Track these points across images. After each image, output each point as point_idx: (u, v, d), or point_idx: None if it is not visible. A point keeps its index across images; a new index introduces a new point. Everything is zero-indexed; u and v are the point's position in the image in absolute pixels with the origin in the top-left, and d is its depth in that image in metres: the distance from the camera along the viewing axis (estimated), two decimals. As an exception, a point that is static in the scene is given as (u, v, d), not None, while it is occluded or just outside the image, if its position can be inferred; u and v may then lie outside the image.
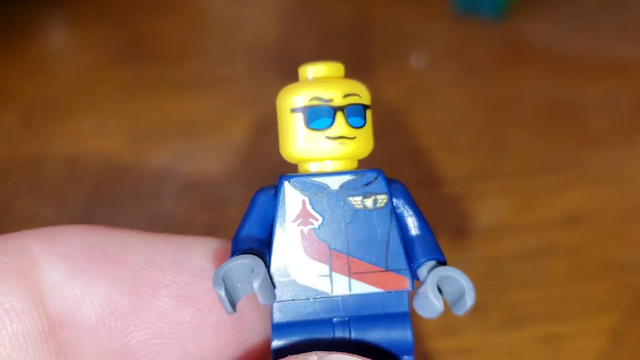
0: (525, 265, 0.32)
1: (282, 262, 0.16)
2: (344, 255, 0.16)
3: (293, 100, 0.16)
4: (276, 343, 0.15)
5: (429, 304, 0.15)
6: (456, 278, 0.15)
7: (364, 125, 0.16)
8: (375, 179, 0.16)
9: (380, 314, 0.16)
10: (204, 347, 0.18)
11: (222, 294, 0.14)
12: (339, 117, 0.16)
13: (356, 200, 0.16)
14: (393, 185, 0.16)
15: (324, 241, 0.16)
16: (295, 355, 0.14)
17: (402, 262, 0.16)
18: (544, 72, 0.44)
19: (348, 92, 0.16)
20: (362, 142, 0.16)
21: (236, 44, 0.47)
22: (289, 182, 0.16)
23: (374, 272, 0.16)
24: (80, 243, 0.17)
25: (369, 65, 0.44)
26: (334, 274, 0.16)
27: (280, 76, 0.41)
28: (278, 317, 0.16)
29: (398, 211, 0.16)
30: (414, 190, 0.38)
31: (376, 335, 0.16)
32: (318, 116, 0.16)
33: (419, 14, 0.49)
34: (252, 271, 0.15)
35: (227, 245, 0.18)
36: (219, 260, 0.18)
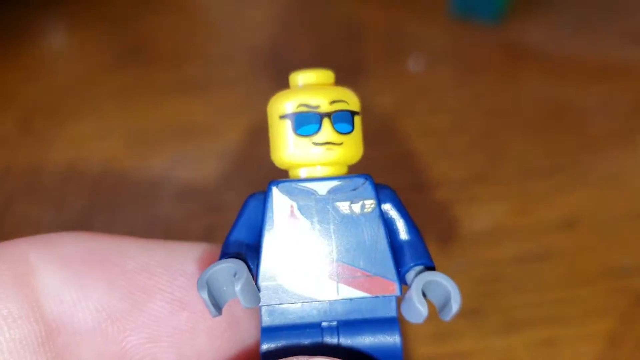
0: (522, 269, 0.32)
1: (271, 266, 0.16)
2: (332, 260, 0.16)
3: (282, 107, 0.17)
4: (265, 347, 0.16)
5: (414, 309, 0.15)
6: (442, 283, 0.15)
7: (351, 131, 0.17)
8: (363, 184, 0.16)
9: (368, 319, 0.16)
10: (199, 350, 0.18)
11: (206, 296, 0.14)
12: (326, 123, 0.16)
13: (344, 206, 0.16)
14: (382, 191, 0.16)
15: (312, 246, 0.16)
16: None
17: (389, 267, 0.16)
18: (541, 75, 0.44)
19: (335, 98, 0.16)
20: (350, 148, 0.17)
21: (235, 48, 0.47)
22: (277, 187, 0.16)
23: (362, 276, 0.16)
24: (76, 249, 0.17)
25: (366, 69, 0.44)
26: (322, 279, 0.16)
27: (279, 80, 0.41)
28: (267, 321, 0.16)
29: (387, 216, 0.16)
30: (411, 194, 0.38)
31: (364, 340, 0.16)
32: (305, 122, 0.16)
33: (417, 18, 0.49)
34: (235, 275, 0.15)
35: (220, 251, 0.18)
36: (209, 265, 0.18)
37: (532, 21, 0.48)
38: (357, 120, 0.17)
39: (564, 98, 0.42)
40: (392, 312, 0.16)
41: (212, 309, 0.15)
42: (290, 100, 0.16)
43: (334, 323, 0.16)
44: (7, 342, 0.16)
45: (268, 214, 0.16)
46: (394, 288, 0.16)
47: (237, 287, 0.14)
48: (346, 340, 0.16)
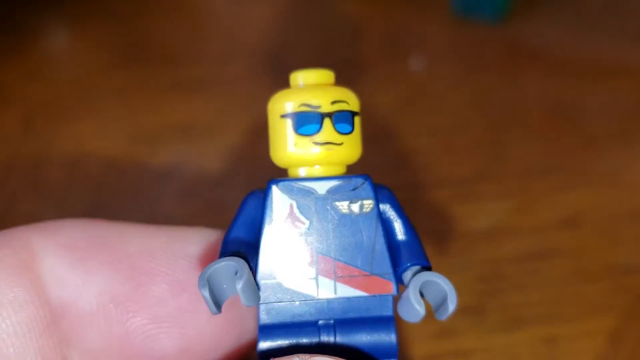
0: (523, 268, 0.32)
1: (269, 264, 0.16)
2: (330, 259, 0.16)
3: (283, 106, 0.17)
4: (262, 345, 0.16)
5: (411, 309, 0.15)
6: (438, 283, 0.15)
7: (351, 131, 0.17)
8: (362, 184, 0.16)
9: (365, 317, 0.16)
10: (200, 330, 0.18)
11: (207, 294, 0.15)
12: (327, 123, 0.16)
13: (343, 205, 0.16)
14: (380, 191, 0.17)
15: (311, 245, 0.16)
16: (279, 358, 0.15)
17: (387, 266, 0.16)
18: (543, 74, 0.44)
19: (336, 99, 0.17)
20: (349, 148, 0.17)
21: (235, 47, 0.47)
22: (277, 186, 0.16)
23: (359, 275, 0.16)
24: (79, 235, 0.18)
25: (367, 68, 0.44)
26: (320, 277, 0.16)
27: (279, 79, 0.41)
28: (264, 318, 0.16)
29: (384, 216, 0.17)
30: (412, 193, 0.38)
31: (361, 338, 0.16)
32: (306, 122, 0.16)
33: (418, 16, 0.49)
34: (236, 273, 0.15)
35: (220, 235, 0.18)
36: (212, 249, 0.18)
37: (533, 20, 0.48)
38: (357, 120, 0.17)
39: (565, 97, 0.42)
40: (388, 311, 0.16)
41: (213, 307, 0.15)
42: (291, 99, 0.17)
43: (331, 321, 0.16)
44: (13, 325, 0.16)
45: (267, 213, 0.16)
46: (391, 287, 0.16)
47: (239, 286, 0.15)
48: (343, 339, 0.16)
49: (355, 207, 0.16)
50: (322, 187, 0.16)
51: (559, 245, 0.33)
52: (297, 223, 0.16)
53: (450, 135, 0.39)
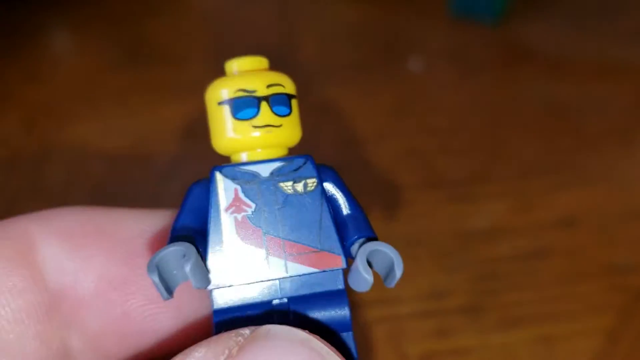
0: (521, 267, 0.32)
1: (219, 249, 0.16)
2: (279, 239, 0.16)
3: (219, 94, 0.17)
4: (218, 329, 0.16)
5: (360, 278, 0.15)
6: (384, 251, 0.16)
7: (289, 113, 0.17)
8: (304, 164, 0.17)
9: (317, 293, 0.16)
10: (195, 307, 0.19)
11: (156, 279, 0.15)
12: (264, 106, 0.17)
13: (287, 186, 0.16)
14: (323, 170, 0.17)
15: (258, 227, 0.16)
16: (228, 332, 0.15)
17: (334, 241, 0.16)
18: (541, 74, 0.44)
19: (271, 82, 0.17)
20: (289, 130, 0.17)
21: (236, 47, 0.47)
22: (220, 172, 0.17)
23: (309, 252, 0.16)
24: (74, 222, 0.18)
25: (367, 69, 0.44)
26: (270, 258, 0.16)
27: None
28: (218, 303, 0.16)
29: (329, 194, 0.17)
30: (412, 192, 0.38)
31: (315, 313, 0.16)
32: (243, 107, 0.16)
33: (417, 18, 0.49)
34: (184, 256, 0.15)
35: None
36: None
37: (531, 21, 0.48)
38: (294, 103, 0.17)
39: (563, 97, 0.42)
40: (340, 285, 0.16)
41: (163, 292, 0.15)
42: (227, 86, 0.17)
43: (285, 300, 0.16)
44: (12, 312, 0.16)
45: (213, 199, 0.16)
46: (340, 261, 0.16)
47: (187, 268, 0.15)
48: (297, 316, 0.16)
49: (299, 187, 0.16)
50: (265, 170, 0.16)
51: (557, 244, 0.33)
52: (243, 207, 0.16)
53: (449, 135, 0.40)
